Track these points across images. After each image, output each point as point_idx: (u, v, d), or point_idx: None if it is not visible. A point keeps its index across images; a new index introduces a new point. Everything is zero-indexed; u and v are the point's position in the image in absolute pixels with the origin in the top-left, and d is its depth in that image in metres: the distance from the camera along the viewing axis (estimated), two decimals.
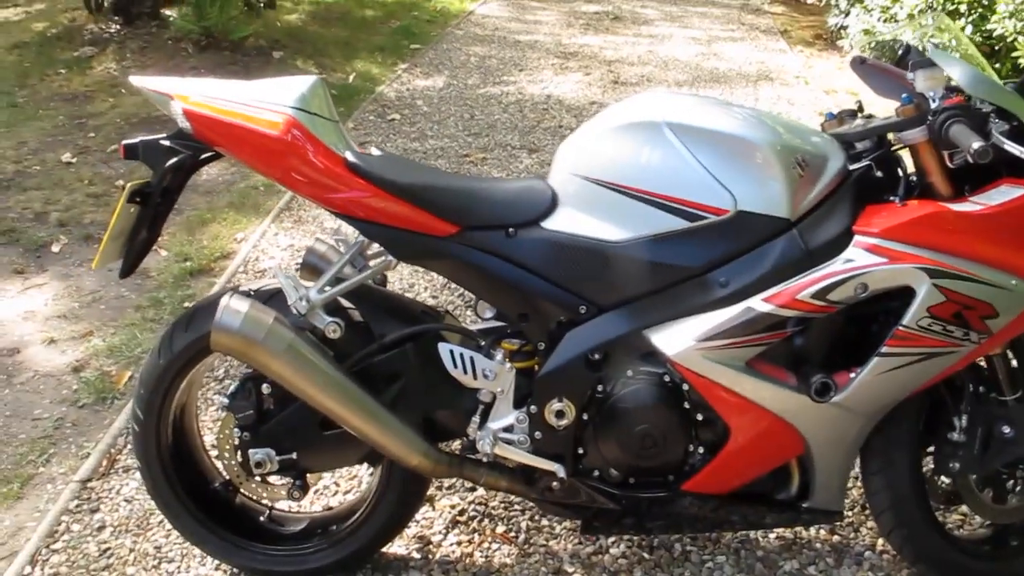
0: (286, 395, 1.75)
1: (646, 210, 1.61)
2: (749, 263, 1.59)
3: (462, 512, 2.17)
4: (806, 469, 1.74)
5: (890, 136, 1.72)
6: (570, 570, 1.98)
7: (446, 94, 5.79)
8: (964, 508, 2.06)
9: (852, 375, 1.61)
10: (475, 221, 1.67)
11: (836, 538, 2.04)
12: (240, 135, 1.61)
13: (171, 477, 1.87)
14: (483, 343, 1.75)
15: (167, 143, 1.67)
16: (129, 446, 2.37)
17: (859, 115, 1.79)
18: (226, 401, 1.78)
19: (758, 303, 1.56)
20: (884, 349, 1.57)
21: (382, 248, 1.75)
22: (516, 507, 2.18)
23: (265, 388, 1.77)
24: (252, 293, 1.74)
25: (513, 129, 5.07)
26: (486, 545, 2.07)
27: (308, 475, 1.83)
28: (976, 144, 1.45)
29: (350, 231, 1.73)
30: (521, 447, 1.72)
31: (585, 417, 1.70)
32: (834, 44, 7.14)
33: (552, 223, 1.67)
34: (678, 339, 1.60)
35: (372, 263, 1.78)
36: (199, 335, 1.77)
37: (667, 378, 1.67)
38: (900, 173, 1.70)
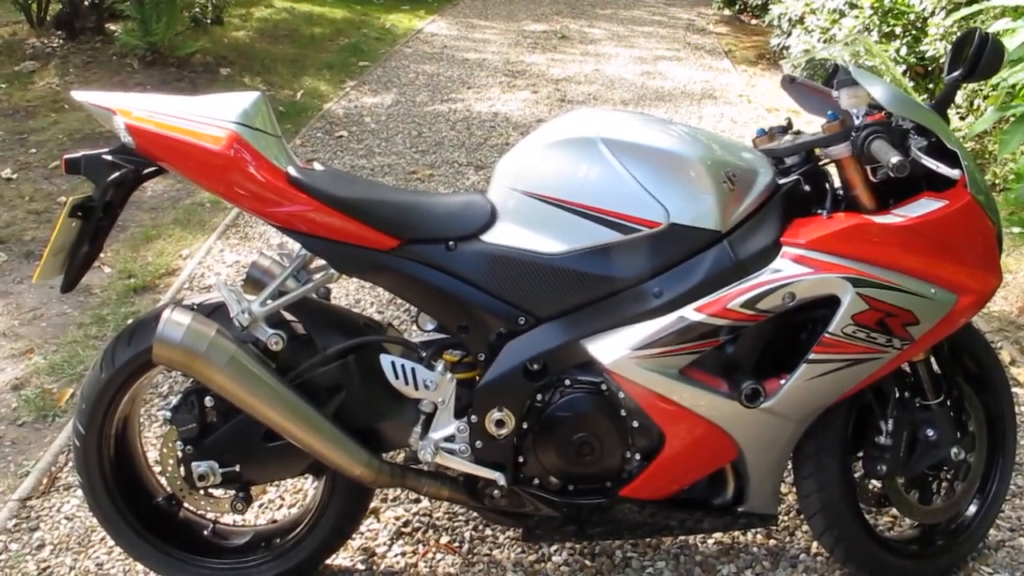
0: (229, 408, 1.75)
1: (582, 223, 1.66)
2: (682, 274, 1.65)
3: (407, 523, 2.18)
4: (740, 474, 1.80)
5: (817, 151, 1.80)
6: None
7: (394, 111, 5.82)
8: (894, 510, 2.14)
9: (782, 381, 1.68)
10: (415, 234, 1.70)
11: (772, 542, 2.11)
12: (183, 150, 1.62)
13: (113, 492, 1.85)
14: (424, 354, 1.77)
15: (109, 158, 1.68)
16: (70, 463, 2.34)
17: (789, 131, 1.88)
18: (168, 414, 1.78)
19: (690, 312, 1.62)
20: (812, 356, 1.64)
21: (324, 262, 1.78)
22: (460, 518, 2.20)
23: (208, 401, 1.77)
24: (195, 307, 1.75)
25: (460, 146, 5.12)
26: (430, 556, 2.09)
27: (252, 487, 1.83)
28: (895, 159, 1.53)
29: (294, 246, 1.75)
30: (462, 456, 1.74)
31: (525, 426, 1.74)
32: (776, 64, 7.35)
33: (491, 236, 1.71)
34: (613, 348, 1.64)
35: (315, 277, 1.80)
36: (141, 349, 1.76)
37: (604, 387, 1.71)
38: (827, 187, 1.78)
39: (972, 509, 2.00)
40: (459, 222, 1.73)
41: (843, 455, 1.84)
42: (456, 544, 2.12)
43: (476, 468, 1.74)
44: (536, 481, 1.78)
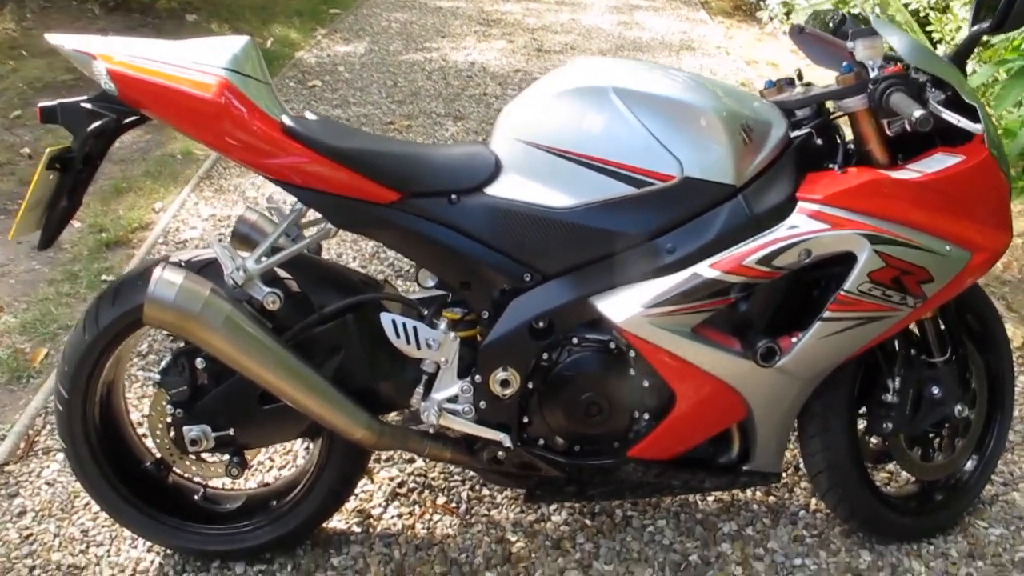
0: (222, 369, 1.68)
1: (592, 176, 1.60)
2: (695, 229, 1.60)
3: (402, 484, 2.14)
4: (746, 433, 1.77)
5: (829, 104, 1.75)
6: (513, 539, 1.98)
7: (368, 60, 5.66)
8: (890, 466, 2.15)
9: (795, 340, 1.64)
10: (417, 188, 1.62)
11: (772, 499, 2.10)
12: (170, 98, 1.52)
13: (99, 458, 1.78)
14: (425, 312, 1.71)
15: (89, 106, 1.57)
16: (49, 427, 2.25)
17: (798, 83, 1.82)
18: (157, 377, 1.70)
19: (705, 269, 1.57)
20: (826, 314, 1.61)
21: (319, 216, 1.70)
22: (456, 477, 2.16)
23: (199, 362, 1.70)
24: (185, 264, 1.67)
25: (437, 96, 4.99)
26: (427, 517, 2.05)
27: (246, 452, 1.77)
28: (918, 112, 1.48)
29: (283, 199, 1.67)
30: (466, 417, 1.69)
31: (530, 386, 1.69)
32: (753, 15, 7.26)
33: (496, 190, 1.64)
34: (625, 306, 1.59)
35: (308, 232, 1.72)
36: (127, 308, 1.68)
37: (613, 345, 1.67)
38: (839, 141, 1.73)
39: (970, 465, 2.00)
40: (462, 175, 1.65)
41: (849, 413, 1.82)
42: (453, 505, 2.08)
43: (480, 429, 1.69)
44: (541, 442, 1.74)
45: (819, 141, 1.73)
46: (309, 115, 1.66)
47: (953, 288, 1.67)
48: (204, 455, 1.76)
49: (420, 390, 1.70)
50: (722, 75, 5.58)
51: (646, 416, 1.71)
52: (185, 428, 1.69)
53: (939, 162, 1.63)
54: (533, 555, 1.94)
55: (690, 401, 1.66)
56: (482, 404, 1.69)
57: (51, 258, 3.07)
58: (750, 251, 1.57)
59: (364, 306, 1.70)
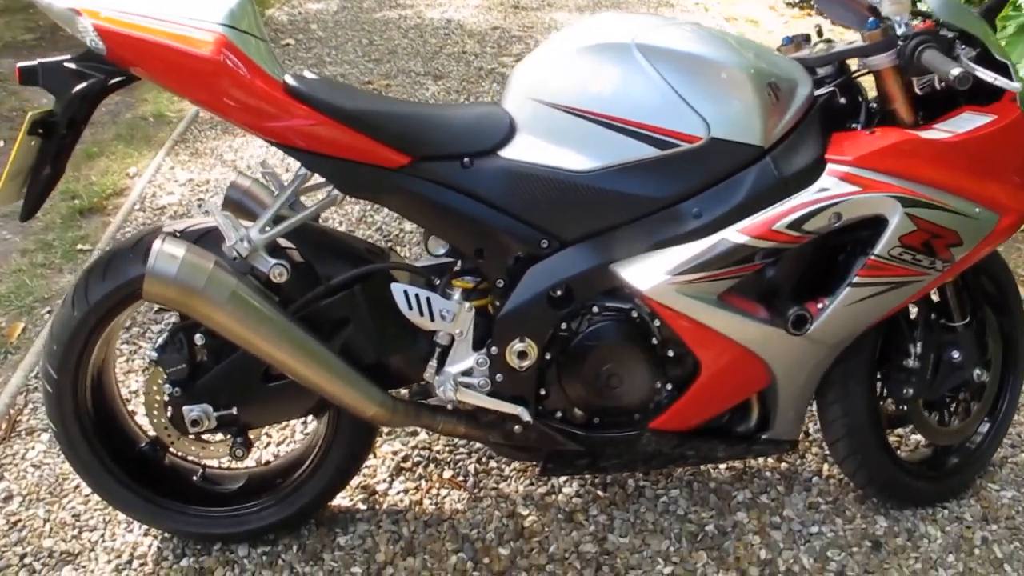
0: (223, 345, 1.60)
1: (614, 137, 1.52)
2: (722, 193, 1.53)
3: (405, 458, 2.08)
4: (766, 401, 1.73)
5: (850, 62, 1.69)
6: (524, 512, 1.93)
7: (341, 18, 5.47)
8: (899, 430, 2.13)
9: (819, 306, 1.59)
10: (428, 151, 1.53)
11: (784, 466, 2.07)
12: (165, 56, 1.41)
13: (92, 440, 1.69)
14: (438, 282, 1.63)
15: (73, 66, 1.45)
16: (32, 405, 2.15)
17: (818, 40, 1.75)
18: (154, 355, 1.61)
19: (733, 234, 1.51)
20: (855, 279, 1.56)
21: (320, 182, 1.61)
22: (462, 450, 2.10)
23: (198, 338, 1.61)
24: (180, 234, 1.57)
25: (415, 55, 4.85)
26: (434, 492, 1.99)
27: (250, 431, 1.69)
28: (955, 70, 1.42)
29: (282, 164, 1.57)
30: (481, 390, 1.63)
31: (548, 357, 1.62)
32: None
33: (510, 152, 1.56)
34: (650, 273, 1.53)
35: (310, 198, 1.63)
36: (120, 283, 1.58)
37: (635, 314, 1.61)
38: (861, 100, 1.67)
39: (983, 429, 1.99)
40: (475, 137, 1.57)
41: (870, 379, 1.79)
42: (461, 479, 2.03)
43: (498, 403, 1.63)
44: (559, 415, 1.68)
45: (842, 100, 1.66)
46: (309, 74, 1.55)
47: (980, 251, 1.63)
48: (205, 435, 1.67)
49: (434, 363, 1.62)
50: None
51: (668, 387, 1.65)
52: (185, 408, 1.60)
53: (969, 121, 1.58)
54: (546, 528, 1.89)
55: (715, 370, 1.61)
56: (498, 377, 1.62)
57: (22, 227, 2.92)
58: (780, 215, 1.51)
59: (372, 276, 1.62)
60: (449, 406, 1.65)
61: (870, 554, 1.85)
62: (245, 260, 1.50)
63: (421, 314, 1.57)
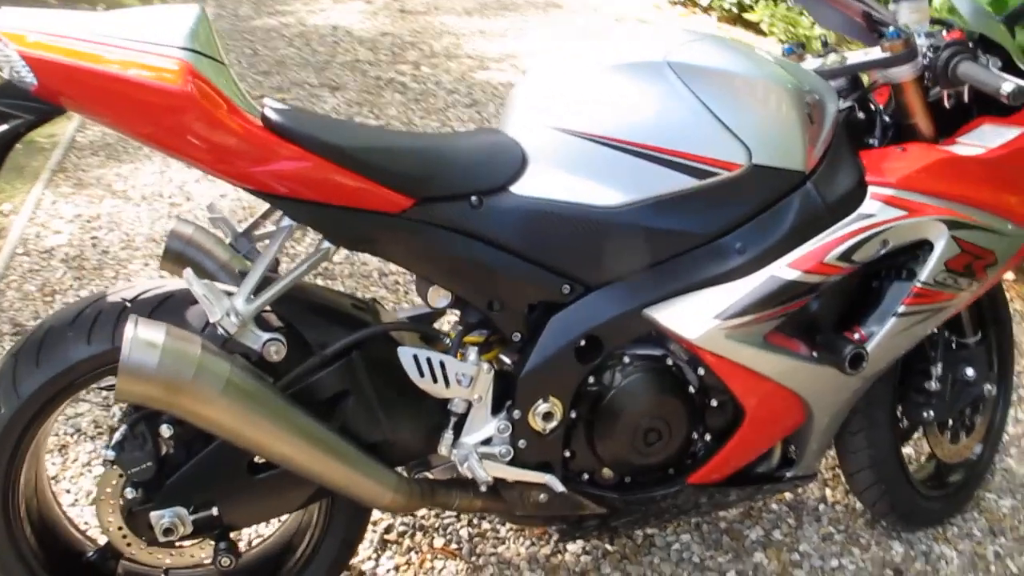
0: (194, 435, 1.33)
1: (647, 168, 1.35)
2: (765, 224, 1.40)
3: (388, 529, 1.84)
4: (789, 439, 1.62)
5: (862, 74, 1.60)
6: None
7: (219, 27, 5.04)
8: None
9: (857, 336, 1.49)
10: (433, 191, 1.32)
11: (788, 497, 1.98)
12: (116, 89, 1.13)
13: (29, 560, 1.37)
14: (448, 341, 1.42)
15: None
16: None
17: (824, 51, 1.65)
18: (110, 453, 1.31)
19: (783, 270, 1.38)
20: (901, 309, 1.46)
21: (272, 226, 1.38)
22: (449, 514, 1.88)
23: (164, 429, 1.32)
24: (132, 303, 1.29)
25: (305, 65, 4.52)
26: (428, 565, 1.77)
27: (232, 532, 1.41)
28: (1008, 86, 1.34)
29: (239, 205, 1.31)
30: (503, 460, 1.42)
31: (574, 416, 1.45)
32: None
33: (525, 188, 1.37)
34: (697, 318, 1.37)
35: (297, 256, 1.38)
36: (59, 370, 1.29)
37: (670, 361, 1.45)
38: (876, 115, 1.59)
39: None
40: (483, 172, 1.37)
41: (892, 407, 1.71)
42: (454, 546, 1.81)
43: (527, 474, 1.43)
44: (585, 476, 1.50)
45: (860, 115, 1.57)
46: (283, 105, 1.30)
47: (1007, 269, 1.58)
48: (179, 542, 1.39)
49: (450, 435, 1.41)
50: (593, 33, 5.41)
51: (707, 437, 1.51)
52: (154, 514, 1.32)
53: (996, 135, 1.52)
54: None
55: (759, 416, 1.47)
56: (521, 443, 1.42)
57: None
58: (830, 246, 1.39)
59: (370, 340, 1.38)
60: (470, 479, 1.44)
61: None
62: (233, 338, 1.23)
63: (435, 381, 1.35)
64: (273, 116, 1.22)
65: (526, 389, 1.40)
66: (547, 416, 1.41)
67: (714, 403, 1.47)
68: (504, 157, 1.38)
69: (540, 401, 1.40)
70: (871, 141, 1.58)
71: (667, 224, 1.37)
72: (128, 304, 1.32)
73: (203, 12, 1.25)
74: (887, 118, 1.59)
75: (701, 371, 1.43)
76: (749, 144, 1.36)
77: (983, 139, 1.51)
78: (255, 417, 1.20)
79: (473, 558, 1.79)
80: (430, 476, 1.52)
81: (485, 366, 1.38)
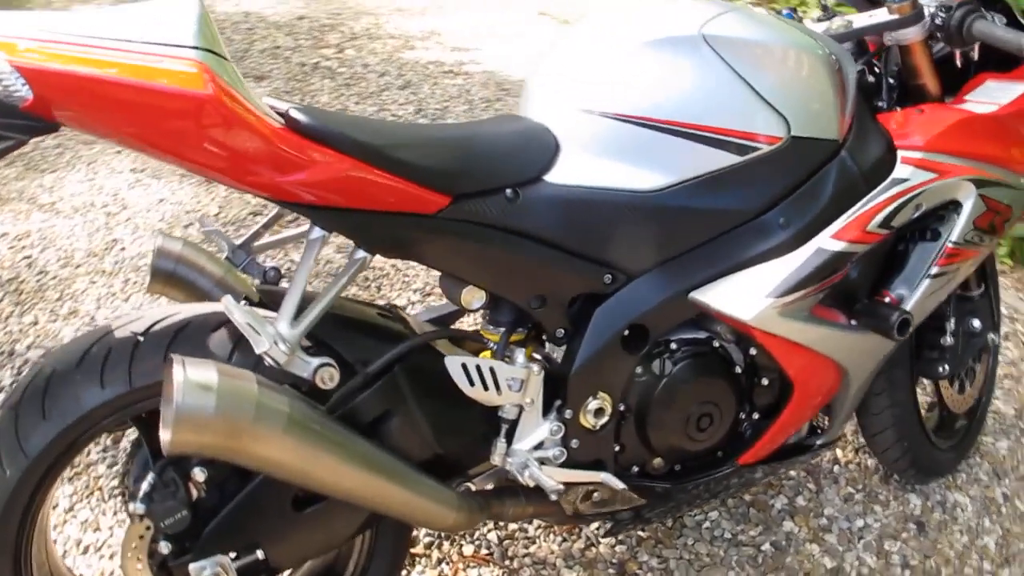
0: (227, 474, 1.21)
1: (687, 147, 1.30)
2: (805, 197, 1.36)
3: (413, 542, 1.75)
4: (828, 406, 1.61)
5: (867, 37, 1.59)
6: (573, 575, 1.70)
7: None
8: None
9: (888, 300, 1.49)
10: (469, 186, 1.23)
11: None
12: (133, 99, 0.99)
13: None
14: (492, 345, 1.34)
15: None
16: None
17: (826, 14, 1.63)
18: (140, 507, 1.17)
19: (827, 241, 1.35)
20: (935, 270, 1.46)
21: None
22: None
23: (198, 473, 1.20)
24: (145, 336, 1.16)
25: None
26: (462, 574, 1.70)
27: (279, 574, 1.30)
28: None
29: (236, 219, 1.20)
30: (556, 463, 1.36)
31: (622, 408, 1.39)
32: None
33: (559, 176, 1.29)
34: (749, 299, 1.33)
35: (335, 268, 1.27)
36: (70, 421, 1.15)
37: (716, 343, 1.41)
38: (883, 77, 1.58)
39: None
40: (516, 163, 1.28)
41: (911, 365, 1.73)
42: (486, 552, 1.74)
43: (583, 474, 1.37)
44: (635, 469, 1.46)
45: (870, 78, 1.56)
46: (302, 105, 1.18)
47: (1017, 223, 1.61)
48: None
49: (502, 443, 1.33)
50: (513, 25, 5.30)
51: (754, 416, 1.48)
52: (194, 567, 1.19)
53: (1003, 91, 1.53)
54: None
55: (807, 389, 1.45)
56: (574, 443, 1.36)
57: None
58: (870, 213, 1.37)
59: (410, 353, 1.29)
60: (520, 485, 1.38)
61: (919, 536, 1.81)
62: (282, 368, 1.12)
63: (486, 388, 1.27)
64: (300, 117, 1.10)
65: (577, 386, 1.33)
66: (598, 412, 1.35)
67: (764, 381, 1.44)
68: (536, 145, 1.30)
69: (591, 398, 1.34)
70: (879, 104, 1.57)
71: (709, 204, 1.32)
72: (140, 338, 1.18)
73: (202, 6, 1.11)
74: (891, 80, 1.59)
75: (752, 351, 1.40)
76: (788, 116, 1.32)
77: (991, 96, 1.52)
78: (318, 452, 1.09)
79: (507, 562, 1.72)
80: (472, 488, 1.44)
81: (535, 367, 1.30)
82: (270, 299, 1.44)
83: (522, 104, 1.40)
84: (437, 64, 4.26)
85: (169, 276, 1.44)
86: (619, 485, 1.38)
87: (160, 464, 1.20)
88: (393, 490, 1.18)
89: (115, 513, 1.78)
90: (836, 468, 1.97)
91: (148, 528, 1.23)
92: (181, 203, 2.78)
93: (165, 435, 1.00)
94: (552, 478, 1.33)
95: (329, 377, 1.14)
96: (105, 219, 2.72)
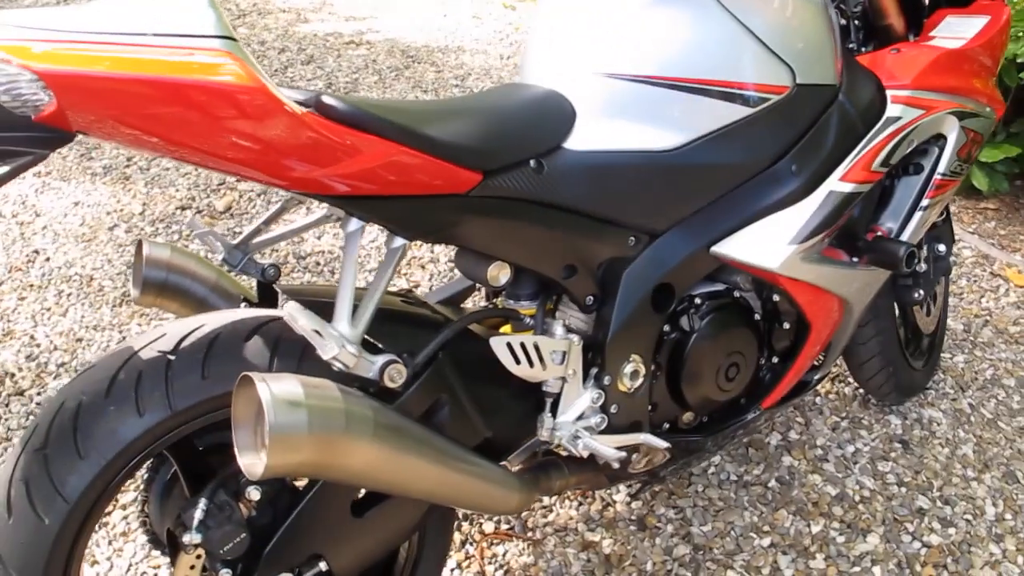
0: (279, 489, 1.16)
1: (703, 103, 1.30)
2: (812, 143, 1.39)
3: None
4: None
5: None
6: (596, 539, 1.71)
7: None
8: None
9: (879, 235, 1.55)
10: (499, 161, 1.19)
11: None
12: (170, 97, 0.90)
13: None
14: (529, 321, 1.31)
15: None
16: None
17: None
18: (196, 536, 1.10)
19: (837, 184, 1.39)
20: (926, 202, 1.53)
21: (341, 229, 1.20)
22: None
23: (252, 492, 1.13)
24: (176, 353, 1.08)
25: None
26: (489, 552, 1.68)
27: None
28: None
29: (232, 221, 1.13)
30: (599, 430, 1.36)
31: (653, 368, 1.40)
32: None
33: (578, 142, 1.27)
34: (771, 246, 1.35)
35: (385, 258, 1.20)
36: (112, 455, 1.06)
37: (737, 294, 1.44)
38: (849, 18, 1.62)
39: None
40: (537, 132, 1.25)
41: (892, 294, 1.81)
42: (507, 528, 1.73)
43: (625, 438, 1.37)
44: (667, 425, 1.47)
45: (843, 21, 1.60)
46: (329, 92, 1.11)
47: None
48: None
49: (548, 417, 1.31)
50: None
51: (774, 360, 1.52)
52: None
53: (965, 26, 1.60)
54: (629, 547, 1.69)
55: (820, 328, 1.50)
56: (613, 408, 1.36)
57: None
58: (872, 153, 1.41)
59: (454, 338, 1.25)
60: (563, 456, 1.37)
61: (906, 454, 1.92)
62: (349, 370, 1.05)
63: (531, 365, 1.25)
64: (334, 103, 1.03)
65: (613, 352, 1.33)
66: (634, 375, 1.35)
67: (785, 325, 1.48)
68: (554, 113, 1.27)
69: (626, 361, 1.34)
70: (851, 46, 1.61)
71: (724, 158, 1.33)
72: (171, 357, 1.10)
73: None
74: (857, 22, 1.63)
75: (775, 296, 1.43)
76: (792, 65, 1.34)
77: (955, 31, 1.59)
78: (403, 453, 1.04)
79: (529, 533, 1.72)
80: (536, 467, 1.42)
81: (575, 338, 1.29)
82: (269, 297, 1.37)
83: (525, 69, 1.36)
84: (336, 36, 4.10)
85: (162, 286, 1.36)
86: (661, 444, 1.39)
87: (211, 488, 1.12)
88: (466, 480, 1.15)
89: (110, 543, 1.67)
90: (819, 400, 2.06)
91: (199, 557, 1.16)
92: (99, 204, 2.58)
93: (255, 460, 0.93)
94: (600, 447, 1.32)
95: (397, 374, 1.09)
96: (19, 229, 2.50)
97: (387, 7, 4.67)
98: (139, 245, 1.36)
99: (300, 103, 1.04)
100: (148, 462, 1.23)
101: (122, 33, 0.91)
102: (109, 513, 1.68)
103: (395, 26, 4.32)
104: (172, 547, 1.20)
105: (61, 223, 2.53)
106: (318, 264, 2.48)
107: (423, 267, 2.54)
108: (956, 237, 2.02)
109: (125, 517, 1.72)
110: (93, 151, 3.07)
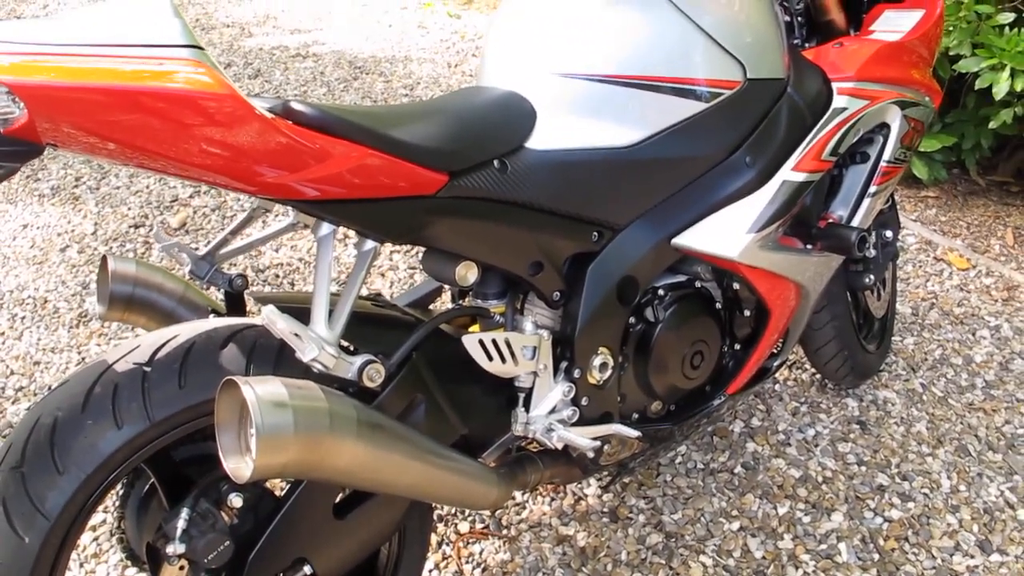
0: (259, 495, 1.16)
1: (657, 100, 1.34)
2: (764, 135, 1.44)
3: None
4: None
5: None
6: (570, 532, 1.74)
7: None
8: None
9: (831, 222, 1.61)
10: (463, 162, 1.22)
11: None
12: (146, 107, 0.91)
13: None
14: (498, 318, 1.34)
15: None
16: None
17: None
18: (180, 547, 1.10)
19: (790, 174, 1.44)
20: (873, 189, 1.59)
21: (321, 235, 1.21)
22: None
23: (235, 499, 1.14)
24: (152, 364, 1.09)
25: None
26: (466, 553, 1.70)
27: None
28: None
29: (202, 229, 1.14)
30: (571, 423, 1.39)
31: (620, 359, 1.44)
32: None
33: (540, 141, 1.30)
34: (730, 236, 1.40)
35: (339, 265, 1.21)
36: (92, 468, 1.05)
37: (698, 284, 1.48)
38: (792, 14, 1.68)
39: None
40: (500, 133, 1.28)
41: (844, 280, 1.87)
42: (481, 526, 1.75)
43: (597, 429, 1.40)
44: (635, 416, 1.51)
45: (787, 18, 1.66)
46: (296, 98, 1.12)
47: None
48: None
49: (522, 412, 1.34)
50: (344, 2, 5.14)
51: (736, 347, 1.57)
52: None
53: (902, 19, 1.67)
54: (602, 539, 1.72)
55: (779, 314, 1.55)
56: (583, 401, 1.39)
57: None
58: (821, 142, 1.47)
59: (428, 338, 1.26)
60: (536, 451, 1.40)
61: (864, 435, 1.98)
62: (329, 371, 1.06)
63: (503, 361, 1.27)
64: (303, 109, 1.05)
65: (582, 345, 1.36)
66: (602, 367, 1.39)
67: (745, 313, 1.52)
68: (515, 114, 1.30)
69: (594, 354, 1.37)
70: (795, 42, 1.67)
71: (682, 152, 1.38)
72: (147, 368, 1.10)
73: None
74: (800, 18, 1.70)
75: (735, 285, 1.47)
76: (743, 60, 1.39)
77: (893, 24, 1.66)
78: (386, 452, 1.05)
79: (504, 531, 1.74)
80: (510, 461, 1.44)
81: (544, 333, 1.32)
82: (237, 307, 1.38)
83: (484, 72, 1.39)
84: (282, 49, 4.09)
85: (128, 300, 1.35)
86: (632, 433, 1.42)
87: (193, 497, 1.12)
88: (448, 476, 1.17)
89: (81, 565, 1.64)
90: (777, 387, 2.12)
91: (182, 568, 1.15)
92: (49, 226, 2.54)
93: (241, 463, 0.93)
94: (572, 441, 1.35)
95: (376, 374, 1.10)
96: None
97: (332, 19, 4.66)
98: (104, 260, 1.35)
99: (268, 110, 1.05)
100: (124, 478, 1.22)
101: (93, 44, 0.91)
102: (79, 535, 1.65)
103: (341, 38, 4.32)
104: (153, 561, 1.19)
105: (11, 246, 2.48)
106: (277, 277, 2.47)
107: (383, 275, 2.54)
108: (900, 224, 2.09)
109: (96, 539, 1.70)
110: (40, 172, 3.02)
